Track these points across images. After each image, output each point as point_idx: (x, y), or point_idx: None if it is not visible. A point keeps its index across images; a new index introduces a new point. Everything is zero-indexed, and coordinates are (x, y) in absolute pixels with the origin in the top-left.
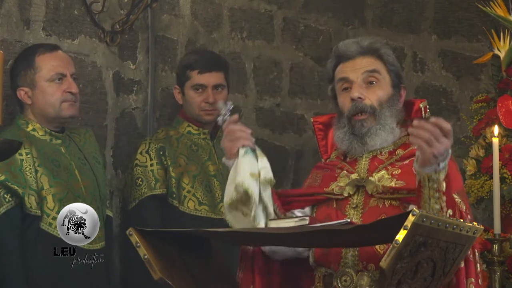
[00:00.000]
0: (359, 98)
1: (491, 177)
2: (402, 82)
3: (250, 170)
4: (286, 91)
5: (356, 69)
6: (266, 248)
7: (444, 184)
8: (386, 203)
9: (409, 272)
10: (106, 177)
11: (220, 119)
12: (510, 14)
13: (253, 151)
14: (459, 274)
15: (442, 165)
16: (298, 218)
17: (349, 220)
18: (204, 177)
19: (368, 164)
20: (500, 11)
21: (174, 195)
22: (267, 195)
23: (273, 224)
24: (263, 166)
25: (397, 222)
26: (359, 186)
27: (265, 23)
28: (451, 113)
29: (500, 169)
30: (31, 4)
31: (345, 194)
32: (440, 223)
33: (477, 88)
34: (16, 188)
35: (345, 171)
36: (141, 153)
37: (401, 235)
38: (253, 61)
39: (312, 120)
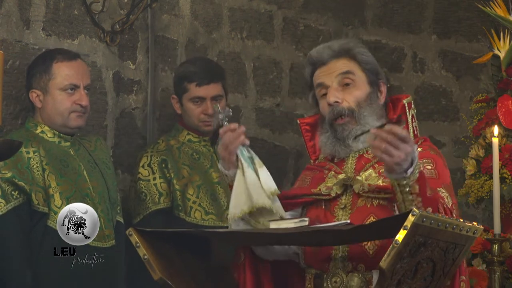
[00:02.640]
0: (336, 102)
1: (491, 177)
2: (380, 78)
3: (264, 188)
4: (286, 91)
5: (330, 73)
6: (257, 248)
7: (417, 186)
8: (374, 202)
9: (409, 272)
10: (115, 183)
11: (215, 123)
12: (510, 14)
13: (252, 161)
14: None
15: (409, 170)
16: (298, 220)
17: (349, 221)
18: (208, 185)
19: (355, 163)
20: (500, 11)
21: (180, 207)
22: (279, 205)
23: (274, 225)
24: (266, 178)
25: (397, 222)
26: (346, 186)
27: (265, 23)
28: (451, 113)
29: (500, 169)
30: (31, 4)
31: (333, 194)
32: (440, 223)
33: (477, 88)
34: (23, 184)
35: (332, 172)
36: (143, 166)
37: (401, 235)
38: (253, 61)
39: (298, 122)
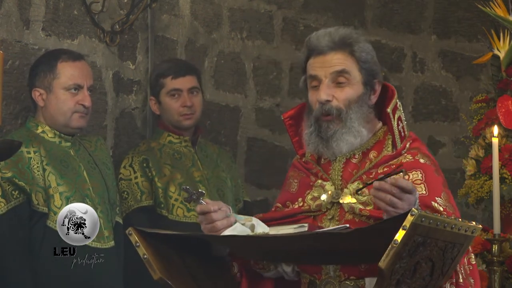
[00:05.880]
0: (327, 100)
1: (491, 177)
2: (377, 77)
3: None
4: (286, 91)
5: (325, 67)
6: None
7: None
8: (362, 218)
9: (408, 272)
10: (115, 184)
11: (189, 200)
12: (510, 14)
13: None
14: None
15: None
16: (297, 225)
17: (348, 225)
18: (190, 184)
19: (342, 169)
20: (500, 11)
21: (162, 205)
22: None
23: (273, 231)
24: (259, 226)
25: (396, 223)
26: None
27: (264, 23)
28: (451, 113)
29: (500, 169)
30: (31, 4)
31: (323, 210)
32: (439, 223)
33: (477, 88)
34: (24, 184)
35: (319, 180)
36: (124, 167)
37: (400, 235)
38: (253, 61)
39: (282, 118)
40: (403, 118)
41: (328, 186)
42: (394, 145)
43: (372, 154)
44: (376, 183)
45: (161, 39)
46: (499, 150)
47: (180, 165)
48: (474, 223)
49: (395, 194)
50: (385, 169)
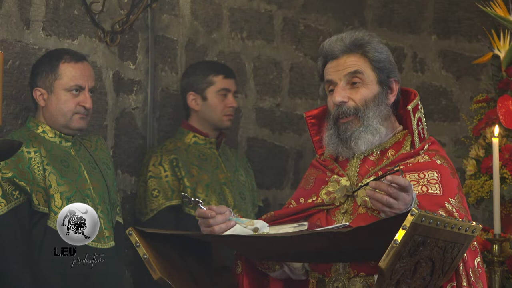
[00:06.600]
0: (342, 102)
1: (491, 177)
2: (392, 76)
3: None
4: (286, 91)
5: (338, 70)
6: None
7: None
8: (375, 213)
9: (408, 272)
10: (116, 184)
11: (187, 203)
12: (510, 14)
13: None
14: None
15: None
16: (297, 224)
17: (347, 223)
18: (216, 185)
19: (359, 166)
20: (500, 11)
21: (191, 205)
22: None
23: (273, 230)
24: (262, 229)
25: (396, 222)
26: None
27: (265, 23)
28: (451, 113)
29: (500, 169)
30: (31, 4)
31: (336, 203)
32: (439, 223)
33: (477, 88)
34: (24, 184)
35: (335, 175)
36: (154, 165)
37: (400, 235)
38: (253, 61)
39: (304, 116)
40: (423, 120)
41: (344, 181)
42: (412, 145)
43: (390, 153)
44: (372, 183)
45: (161, 39)
46: (500, 150)
47: (206, 166)
48: (474, 223)
49: (392, 194)
50: (401, 166)
